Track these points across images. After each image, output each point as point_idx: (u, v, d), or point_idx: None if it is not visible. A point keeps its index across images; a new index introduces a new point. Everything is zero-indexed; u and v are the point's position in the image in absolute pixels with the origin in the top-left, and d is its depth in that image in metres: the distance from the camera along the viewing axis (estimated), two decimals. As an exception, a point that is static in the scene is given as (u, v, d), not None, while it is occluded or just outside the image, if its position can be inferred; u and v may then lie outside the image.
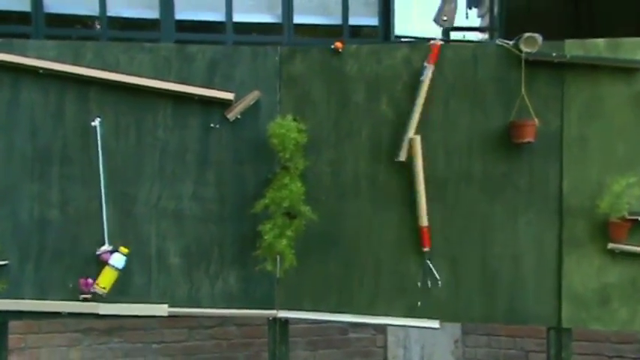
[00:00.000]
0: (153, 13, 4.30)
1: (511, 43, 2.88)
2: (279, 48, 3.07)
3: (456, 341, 4.42)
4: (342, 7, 4.36)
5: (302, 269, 3.02)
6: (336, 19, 4.39)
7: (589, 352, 4.12)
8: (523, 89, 2.82)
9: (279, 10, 4.37)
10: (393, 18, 4.23)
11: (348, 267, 3.01)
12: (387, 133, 2.97)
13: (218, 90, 2.99)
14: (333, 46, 2.98)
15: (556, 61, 2.80)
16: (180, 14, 4.31)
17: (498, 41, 2.91)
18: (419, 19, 4.88)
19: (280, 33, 4.37)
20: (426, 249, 2.92)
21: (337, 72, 2.99)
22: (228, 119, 2.98)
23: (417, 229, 2.94)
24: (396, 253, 2.98)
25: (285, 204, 2.79)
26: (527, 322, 2.96)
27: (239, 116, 2.99)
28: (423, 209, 2.93)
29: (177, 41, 4.01)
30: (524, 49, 2.81)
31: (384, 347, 4.37)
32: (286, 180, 2.81)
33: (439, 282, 2.92)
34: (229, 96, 2.99)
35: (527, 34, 2.84)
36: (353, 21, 4.39)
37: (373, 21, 4.28)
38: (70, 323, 3.95)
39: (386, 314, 3.01)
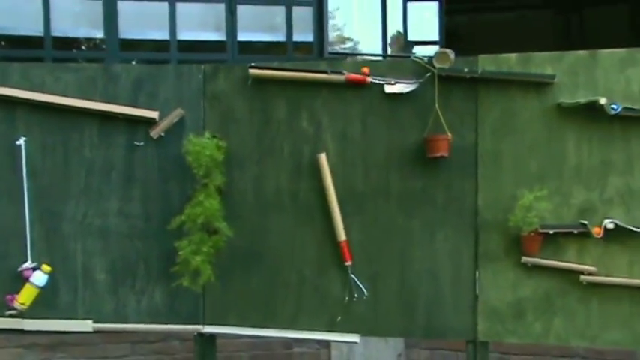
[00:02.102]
0: (98, 33, 4.39)
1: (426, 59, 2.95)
2: (202, 66, 3.12)
3: (399, 355, 4.42)
4: (286, 25, 4.42)
5: (227, 285, 3.07)
6: (280, 36, 4.48)
7: (530, 366, 4.14)
8: (437, 105, 2.87)
9: (224, 28, 4.47)
10: (327, 34, 4.29)
11: (271, 282, 3.04)
12: (307, 149, 3.02)
13: (142, 109, 3.05)
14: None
15: (468, 76, 2.85)
16: (125, 33, 4.42)
17: (413, 57, 2.97)
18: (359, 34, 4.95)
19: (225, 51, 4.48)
20: (348, 263, 2.95)
21: (259, 89, 3.07)
22: (153, 137, 3.08)
23: (337, 244, 2.97)
24: (319, 268, 3.00)
25: (200, 220, 2.83)
26: (446, 336, 2.98)
27: (163, 134, 3.05)
28: (339, 224, 2.96)
29: (123, 60, 4.09)
30: (437, 64, 2.84)
31: (328, 361, 4.41)
32: (201, 197, 2.86)
33: (365, 295, 2.95)
34: (153, 114, 3.04)
35: (439, 50, 2.89)
36: (280, 37, 4.45)
37: (309, 37, 4.35)
38: (14, 338, 3.99)
39: (309, 328, 3.04)
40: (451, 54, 2.85)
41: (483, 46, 3.13)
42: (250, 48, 4.53)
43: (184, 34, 4.41)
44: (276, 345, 4.28)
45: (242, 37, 4.32)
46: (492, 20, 8.84)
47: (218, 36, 4.51)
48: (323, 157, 2.97)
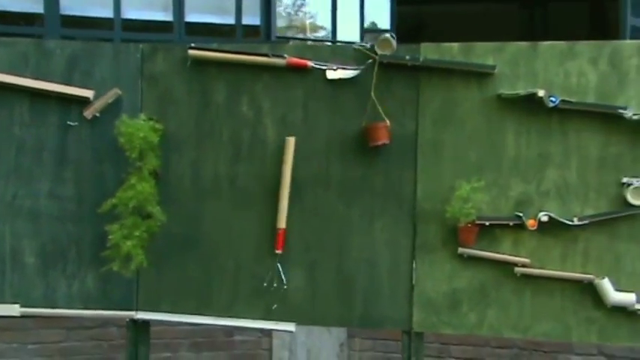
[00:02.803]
0: (38, 8, 4.24)
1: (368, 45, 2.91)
2: (140, 46, 3.03)
3: (341, 345, 4.41)
4: (236, 7, 4.33)
5: (162, 270, 2.99)
6: (229, 19, 4.38)
7: (469, 357, 4.16)
8: (373, 92, 2.82)
9: (172, 8, 4.35)
10: (275, 18, 4.22)
11: (207, 268, 2.98)
12: (247, 133, 2.96)
13: (77, 87, 2.94)
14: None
15: (410, 64, 2.81)
16: (67, 9, 4.26)
17: (356, 44, 2.93)
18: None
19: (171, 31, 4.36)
20: (278, 251, 2.90)
21: (198, 71, 2.99)
22: (87, 118, 2.96)
23: (275, 232, 2.92)
24: (255, 255, 2.95)
25: (132, 204, 2.74)
26: (382, 326, 2.95)
27: (98, 115, 2.95)
28: (283, 212, 2.91)
29: (63, 37, 3.96)
30: (379, 51, 2.80)
31: (270, 350, 4.35)
32: (134, 180, 2.77)
33: (285, 285, 2.91)
34: (88, 94, 2.93)
35: (382, 36, 2.85)
36: (230, 20, 4.36)
37: (256, 20, 4.28)
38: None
39: (245, 316, 2.98)
40: (393, 40, 2.81)
41: (449, 38, 3.10)
42: (198, 29, 4.44)
43: (130, 13, 4.29)
44: (217, 332, 4.22)
45: (190, 18, 4.23)
46: (458, 13, 8.89)
47: (165, 16, 4.41)
48: (291, 141, 2.88)
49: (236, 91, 2.94)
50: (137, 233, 2.78)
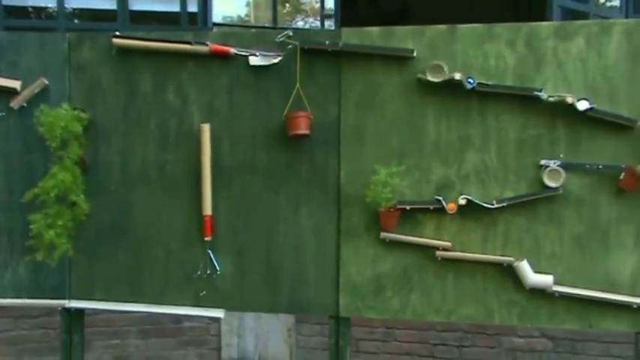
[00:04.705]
0: (-24, -3, 4.21)
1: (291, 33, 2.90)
2: (67, 35, 3.03)
3: (289, 330, 4.44)
4: (182, -6, 4.32)
5: (93, 259, 3.01)
6: (174, 6, 4.36)
7: (415, 340, 4.18)
8: (298, 81, 2.81)
9: (117, -4, 4.32)
10: (211, 5, 4.19)
11: (138, 256, 2.99)
12: (174, 121, 2.95)
13: (3, 78, 2.94)
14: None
15: (330, 49, 2.79)
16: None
17: (279, 36, 2.84)
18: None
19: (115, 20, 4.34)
20: (207, 238, 2.92)
21: (125, 60, 2.98)
22: (14, 108, 2.96)
23: (203, 218, 2.93)
24: (185, 242, 2.96)
25: (54, 193, 2.75)
26: (309, 311, 2.97)
27: (25, 105, 2.96)
28: (207, 198, 2.92)
29: (6, 27, 3.94)
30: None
31: (218, 335, 4.38)
32: (55, 169, 2.77)
33: (218, 271, 2.95)
34: (15, 84, 2.94)
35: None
36: (174, 7, 4.35)
37: (194, 7, 4.25)
38: None
39: (175, 303, 2.99)
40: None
41: (435, 20, 3.07)
42: (143, 17, 4.42)
43: (74, 2, 4.27)
44: (165, 319, 4.25)
45: (135, 5, 4.21)
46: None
47: (109, 4, 4.39)
48: (206, 128, 2.90)
49: (162, 80, 2.94)
50: (61, 222, 2.80)
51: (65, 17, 4.12)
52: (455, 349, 4.31)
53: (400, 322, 4.00)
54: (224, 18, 5.16)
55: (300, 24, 7.65)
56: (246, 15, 7.10)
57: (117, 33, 2.97)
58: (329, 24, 5.02)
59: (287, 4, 7.94)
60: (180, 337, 4.30)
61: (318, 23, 5.05)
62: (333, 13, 4.55)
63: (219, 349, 4.44)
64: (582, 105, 2.61)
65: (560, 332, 4.16)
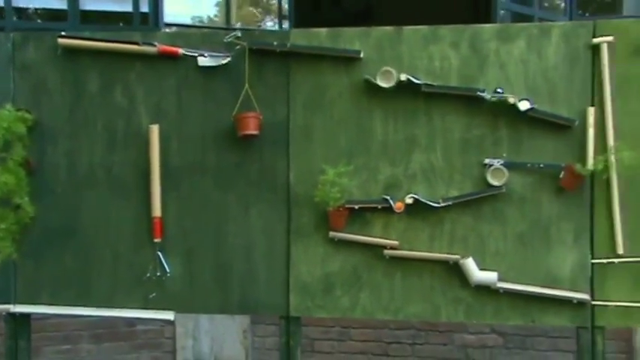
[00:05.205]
0: None
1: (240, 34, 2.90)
2: (11, 35, 2.98)
3: (244, 331, 4.44)
4: (135, -6, 4.28)
5: (39, 263, 2.96)
6: (127, 6, 4.31)
7: (370, 339, 4.23)
8: (247, 82, 2.82)
9: (67, -4, 4.26)
10: (162, 5, 4.18)
11: (86, 259, 2.95)
12: (121, 122, 2.92)
13: (-56, 78, 2.93)
14: None
15: (278, 50, 2.81)
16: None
17: (227, 37, 2.85)
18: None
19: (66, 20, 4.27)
20: (157, 240, 2.89)
21: (71, 60, 2.93)
22: (-46, 109, 2.92)
23: (152, 220, 2.91)
24: (133, 244, 2.93)
25: (-5, 196, 2.73)
26: (260, 311, 2.97)
27: (-34, 105, 2.93)
28: (156, 200, 2.90)
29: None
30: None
31: (173, 338, 4.36)
32: (-4, 172, 2.74)
33: (168, 273, 2.93)
34: (-44, 85, 2.92)
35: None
36: (127, 7, 4.30)
37: (145, 8, 4.22)
38: None
39: (124, 306, 2.96)
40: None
41: (399, 19, 3.07)
42: (95, 17, 4.37)
43: (21, 1, 4.19)
44: (118, 323, 4.20)
45: (85, 5, 4.16)
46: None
47: (59, 4, 4.32)
48: (155, 129, 2.88)
49: (109, 80, 2.92)
50: (4, 225, 2.75)
51: (13, 16, 4.05)
52: (408, 347, 4.37)
53: (355, 321, 4.03)
54: (193, 18, 5.14)
55: (269, 24, 7.66)
56: (216, 15, 7.09)
57: (63, 33, 2.95)
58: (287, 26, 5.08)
59: (255, 6, 7.95)
60: (133, 340, 4.25)
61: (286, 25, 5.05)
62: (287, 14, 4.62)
63: (173, 352, 4.41)
64: (524, 105, 2.67)
65: (511, 328, 4.24)
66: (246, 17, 7.64)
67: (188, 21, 4.39)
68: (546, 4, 5.74)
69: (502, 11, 4.48)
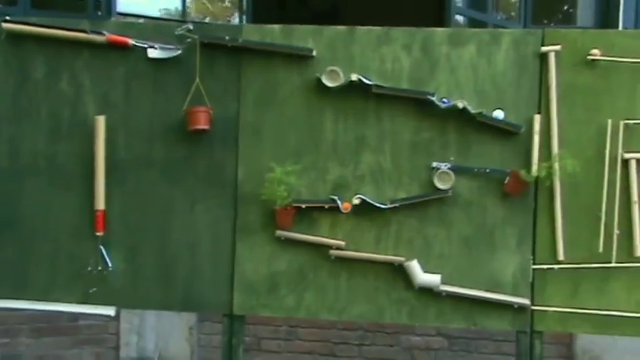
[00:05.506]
0: None
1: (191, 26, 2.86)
2: (-46, 19, 2.90)
3: (190, 328, 4.39)
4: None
5: (-24, 254, 2.91)
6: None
7: (317, 339, 4.23)
8: (197, 76, 2.77)
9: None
10: None
11: (24, 251, 2.86)
12: (67, 111, 2.85)
13: None
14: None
15: (230, 45, 2.77)
16: None
17: (177, 30, 2.80)
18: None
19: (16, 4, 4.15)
20: (99, 233, 2.83)
21: (16, 45, 2.85)
22: None
23: (95, 213, 2.83)
24: (75, 237, 2.85)
25: None
26: (203, 309, 2.93)
27: None
28: (100, 192, 2.83)
29: None
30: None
31: (117, 334, 4.29)
32: None
33: (110, 268, 2.87)
34: None
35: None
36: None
37: None
38: None
39: (63, 300, 2.89)
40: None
41: (366, 18, 3.05)
42: (46, 2, 4.25)
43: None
44: (60, 317, 4.09)
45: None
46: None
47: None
48: (101, 120, 2.80)
49: (56, 68, 2.84)
50: (-62, 214, 2.67)
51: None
52: (355, 348, 4.37)
53: (303, 320, 4.02)
54: (148, 10, 5.03)
55: (236, 21, 7.61)
56: (188, 7, 6.99)
57: (7, 17, 2.86)
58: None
59: (213, 3, 7.88)
60: (75, 335, 4.14)
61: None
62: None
63: (117, 348, 4.33)
64: (499, 114, 2.65)
65: (456, 331, 4.29)
66: (204, 13, 7.58)
67: (143, 12, 4.28)
68: (503, 13, 5.83)
69: (457, 16, 4.54)
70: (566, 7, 6.44)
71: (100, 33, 2.80)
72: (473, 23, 5.00)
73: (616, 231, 2.66)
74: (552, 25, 5.98)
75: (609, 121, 2.67)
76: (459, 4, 4.77)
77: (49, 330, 4.13)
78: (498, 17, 5.49)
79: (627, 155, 2.66)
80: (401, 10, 7.55)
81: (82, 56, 2.83)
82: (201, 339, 4.43)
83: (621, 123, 2.67)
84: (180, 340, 4.36)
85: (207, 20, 7.11)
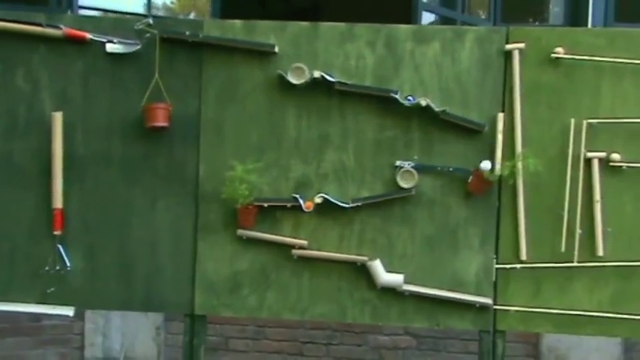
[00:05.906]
0: None
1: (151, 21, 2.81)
2: None
3: (157, 328, 4.34)
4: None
5: None
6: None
7: (285, 339, 4.20)
8: (157, 72, 2.72)
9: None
10: None
11: (-20, 251, 2.85)
12: (23, 108, 2.77)
13: None
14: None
15: (190, 40, 2.71)
16: None
17: (137, 24, 2.72)
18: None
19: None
20: (57, 232, 2.76)
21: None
22: None
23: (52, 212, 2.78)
24: (32, 236, 2.79)
25: None
26: (164, 309, 2.90)
27: None
28: (57, 190, 2.76)
29: None
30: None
31: (82, 335, 4.22)
32: None
33: (69, 267, 2.80)
34: None
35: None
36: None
37: None
38: None
39: (21, 300, 2.82)
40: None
41: (347, 15, 3.00)
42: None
43: None
44: (22, 317, 4.01)
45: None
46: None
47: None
48: (58, 116, 2.74)
49: (10, 63, 2.76)
50: None
51: None
52: (323, 347, 4.35)
53: (271, 320, 3.98)
54: (111, 4, 4.96)
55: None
56: (172, 2, 6.85)
57: (-40, 10, 2.79)
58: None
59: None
60: (39, 335, 4.07)
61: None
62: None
63: (82, 349, 4.26)
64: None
65: (424, 330, 4.27)
66: (173, 9, 7.50)
67: (107, 6, 4.20)
68: (473, 12, 5.83)
69: (425, 12, 4.52)
70: (536, 6, 6.46)
71: (56, 27, 2.73)
72: (444, 21, 4.99)
73: (578, 230, 2.67)
74: (523, 23, 5.99)
75: (572, 120, 2.68)
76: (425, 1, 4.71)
77: (11, 330, 4.04)
78: (469, 15, 5.49)
79: (590, 154, 2.66)
80: (381, 6, 7.54)
81: (39, 51, 2.76)
82: (168, 339, 4.36)
83: (584, 122, 2.67)
84: (147, 340, 4.29)
85: (191, 17, 7.02)
